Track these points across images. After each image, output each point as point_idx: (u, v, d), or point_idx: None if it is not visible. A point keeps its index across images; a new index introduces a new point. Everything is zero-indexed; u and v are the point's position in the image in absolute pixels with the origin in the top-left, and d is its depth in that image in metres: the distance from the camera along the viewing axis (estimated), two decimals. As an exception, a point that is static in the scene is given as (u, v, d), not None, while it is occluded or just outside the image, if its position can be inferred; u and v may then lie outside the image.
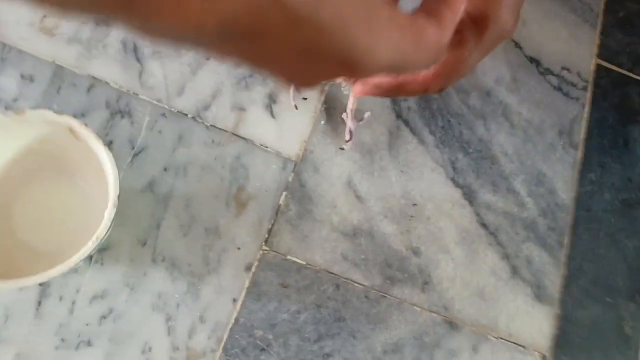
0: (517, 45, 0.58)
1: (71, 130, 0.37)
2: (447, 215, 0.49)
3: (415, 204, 0.49)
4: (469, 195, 0.50)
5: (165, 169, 0.46)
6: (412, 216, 0.48)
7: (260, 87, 0.50)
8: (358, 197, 0.48)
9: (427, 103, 0.53)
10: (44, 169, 0.40)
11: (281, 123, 0.49)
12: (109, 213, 0.35)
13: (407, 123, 0.52)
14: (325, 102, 0.51)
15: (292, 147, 0.49)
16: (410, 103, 0.52)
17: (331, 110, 0.51)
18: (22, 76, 0.46)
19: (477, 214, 0.50)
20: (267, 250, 0.45)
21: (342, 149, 0.49)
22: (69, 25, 0.49)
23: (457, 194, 0.50)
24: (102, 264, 0.42)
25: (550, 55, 0.58)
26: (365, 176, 0.49)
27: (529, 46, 0.58)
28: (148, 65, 0.49)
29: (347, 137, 0.48)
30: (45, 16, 0.49)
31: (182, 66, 0.49)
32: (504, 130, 0.54)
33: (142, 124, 0.47)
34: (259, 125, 0.49)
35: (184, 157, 0.47)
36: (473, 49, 0.34)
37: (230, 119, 0.49)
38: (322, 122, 0.50)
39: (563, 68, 0.58)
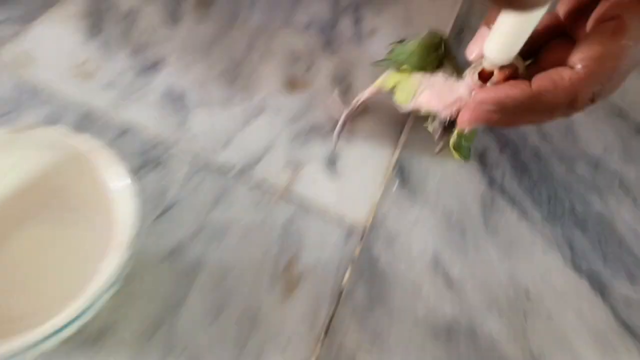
0: (622, 113, 0.48)
1: (82, 156, 0.28)
2: (573, 310, 0.35)
3: (528, 295, 0.36)
4: (599, 286, 0.37)
5: (196, 233, 0.36)
6: (526, 311, 0.35)
7: (321, 143, 0.41)
8: (450, 283, 0.36)
9: (524, 169, 0.42)
10: (39, 209, 0.31)
11: (345, 184, 0.40)
12: (115, 260, 0.24)
13: (503, 191, 0.41)
14: (398, 161, 0.41)
15: (358, 213, 0.38)
16: (504, 168, 0.42)
17: (406, 171, 0.41)
18: (47, 117, 0.39)
19: (614, 311, 0.36)
20: (325, 348, 0.32)
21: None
22: (108, 70, 0.43)
23: (582, 283, 0.37)
24: (95, 352, 0.30)
25: (664, 125, 0.48)
26: (456, 255, 0.37)
27: (637, 114, 0.48)
28: (192, 115, 0.42)
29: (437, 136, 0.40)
30: (86, 61, 0.44)
31: (231, 117, 0.42)
32: (627, 206, 0.42)
33: (176, 177, 0.38)
34: (318, 186, 0.39)
35: (221, 219, 0.37)
36: (635, 36, 0.25)
37: (283, 177, 0.39)
38: (396, 184, 0.40)
39: (684, 140, 0.47)
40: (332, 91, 0.45)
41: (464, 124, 0.30)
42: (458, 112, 0.32)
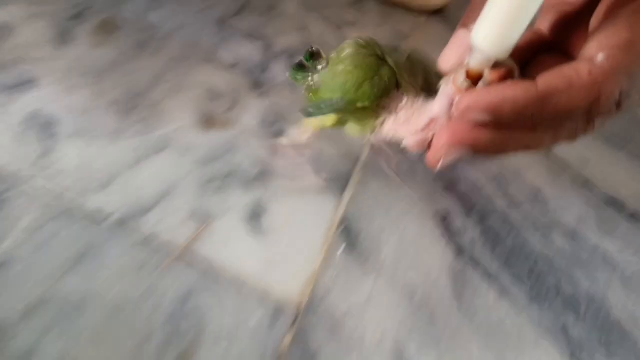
0: (588, 184, 0.45)
1: None
2: None
3: (526, 404, 0.26)
4: (612, 391, 0.28)
5: (34, 307, 0.23)
6: None
7: (242, 192, 0.32)
8: (419, 386, 0.25)
9: (496, 237, 0.35)
10: None
11: (272, 246, 0.30)
12: None
13: (475, 262, 0.33)
14: (345, 219, 0.33)
15: (290, 286, 0.28)
16: (473, 234, 0.35)
17: (354, 232, 0.32)
18: None
19: None
20: None
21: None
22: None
23: (590, 387, 0.28)
24: None
25: (630, 197, 0.45)
26: (426, 346, 0.27)
27: (603, 186, 0.45)
28: (61, 146, 0.31)
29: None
30: None
31: (118, 153, 0.32)
32: (616, 284, 0.35)
33: (19, 224, 0.26)
34: (234, 247, 0.29)
35: (79, 289, 0.25)
36: None
37: (184, 232, 0.29)
38: (342, 248, 0.31)
39: (654, 214, 0.44)
40: (261, 134, 0.37)
41: (440, 151, 0.22)
42: (431, 140, 0.24)
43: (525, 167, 0.45)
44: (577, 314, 0.32)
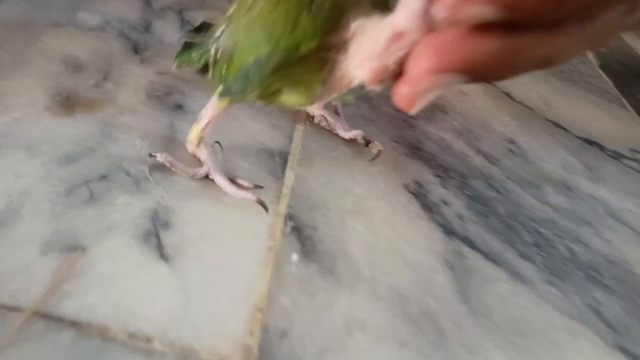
0: (559, 126, 0.39)
1: None
2: None
3: None
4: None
5: None
6: None
7: (128, 200, 0.22)
8: None
9: (485, 206, 0.28)
10: None
11: (186, 274, 0.20)
12: None
13: (471, 244, 0.25)
14: (291, 214, 0.23)
15: (225, 332, 0.18)
16: (458, 207, 0.27)
17: (307, 228, 0.23)
18: None
19: None
20: None
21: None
22: None
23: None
24: None
25: (605, 138, 0.40)
26: (439, 376, 0.19)
27: (576, 128, 0.40)
28: None
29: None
30: None
31: None
32: (628, 238, 0.30)
33: None
34: (124, 286, 0.19)
35: None
36: None
37: (37, 277, 0.18)
38: (295, 256, 0.22)
39: (632, 150, 0.39)
40: (151, 113, 0.26)
41: (419, 81, 0.14)
42: (401, 63, 0.15)
43: (490, 116, 0.38)
44: (602, 286, 0.26)
